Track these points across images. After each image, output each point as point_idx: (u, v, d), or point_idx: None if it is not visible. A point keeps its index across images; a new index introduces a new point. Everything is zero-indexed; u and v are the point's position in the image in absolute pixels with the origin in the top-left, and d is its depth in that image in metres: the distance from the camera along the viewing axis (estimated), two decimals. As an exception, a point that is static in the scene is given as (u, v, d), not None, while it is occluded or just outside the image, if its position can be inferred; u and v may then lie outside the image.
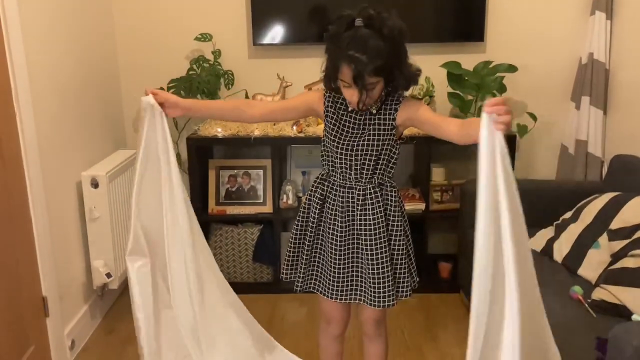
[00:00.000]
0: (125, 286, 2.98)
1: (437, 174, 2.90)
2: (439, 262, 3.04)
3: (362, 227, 1.71)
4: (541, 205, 2.59)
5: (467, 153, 3.12)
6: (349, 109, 1.68)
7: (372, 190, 1.71)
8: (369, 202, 1.71)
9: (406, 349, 2.41)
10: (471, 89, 2.75)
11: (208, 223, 2.93)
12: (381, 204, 1.72)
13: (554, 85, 3.04)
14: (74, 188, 2.45)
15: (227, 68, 2.93)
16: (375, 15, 1.52)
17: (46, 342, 2.19)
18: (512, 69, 2.78)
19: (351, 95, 1.58)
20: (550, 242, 2.35)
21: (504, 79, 2.82)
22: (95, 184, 2.44)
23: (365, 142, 1.66)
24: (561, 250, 2.28)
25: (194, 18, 2.97)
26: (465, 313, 2.72)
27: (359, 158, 1.66)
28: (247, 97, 3.00)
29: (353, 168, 1.68)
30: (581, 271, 2.15)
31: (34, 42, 2.13)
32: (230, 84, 2.93)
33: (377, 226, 1.71)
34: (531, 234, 2.43)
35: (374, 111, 1.66)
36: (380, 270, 1.71)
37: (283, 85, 2.87)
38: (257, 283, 2.96)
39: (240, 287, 2.89)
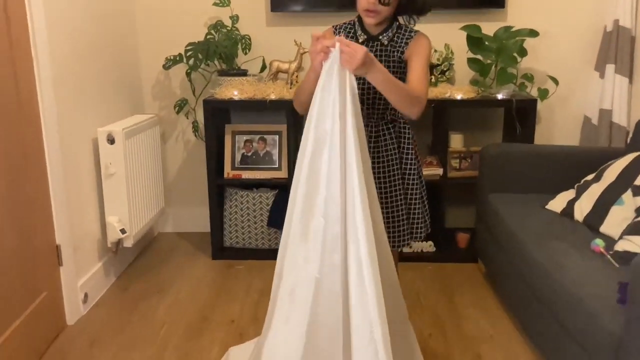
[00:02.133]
0: (140, 250, 3.00)
1: (456, 141, 2.85)
2: (456, 233, 2.98)
3: (376, 165, 1.67)
4: (564, 170, 2.53)
5: (486, 120, 3.07)
6: (360, 41, 1.65)
7: (384, 127, 1.68)
8: (382, 138, 1.67)
9: (421, 309, 2.36)
10: (491, 52, 2.70)
11: (223, 187, 2.92)
12: (394, 140, 1.68)
13: (576, 54, 2.98)
14: (90, 144, 2.46)
15: (244, 33, 2.93)
16: None
17: (59, 290, 2.20)
18: (533, 33, 2.72)
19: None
20: (571, 203, 2.28)
21: (526, 48, 2.76)
22: (111, 140, 2.44)
23: None
24: (582, 209, 2.21)
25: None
26: (482, 280, 2.66)
27: (370, 92, 1.63)
28: (264, 63, 2.99)
29: (365, 102, 1.65)
30: (603, 228, 2.08)
31: (54, 11, 2.15)
32: (247, 48, 2.92)
33: (391, 162, 1.68)
34: (552, 197, 2.38)
35: (385, 42, 1.63)
36: (395, 208, 1.68)
37: (300, 51, 2.85)
38: (271, 249, 2.94)
39: (254, 253, 2.93)
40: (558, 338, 1.74)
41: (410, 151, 1.70)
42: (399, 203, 1.68)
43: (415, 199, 1.72)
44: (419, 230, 1.73)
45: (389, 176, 1.67)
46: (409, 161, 1.70)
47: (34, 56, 2.04)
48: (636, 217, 1.98)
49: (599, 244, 1.92)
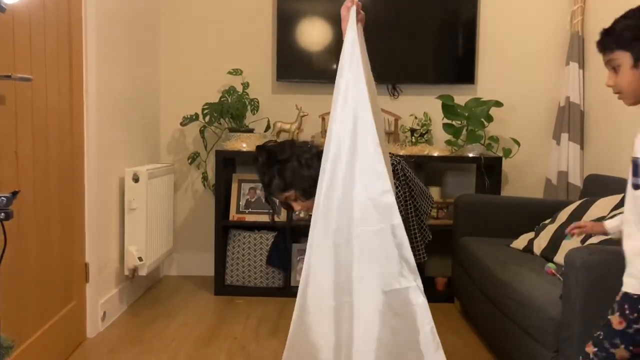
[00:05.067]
0: (148, 287, 3.28)
1: (433, 193, 3.26)
2: (436, 278, 3.32)
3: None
4: (525, 217, 2.93)
5: (460, 176, 3.52)
6: None
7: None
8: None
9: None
10: (462, 118, 3.19)
11: (228, 228, 3.27)
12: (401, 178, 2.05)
13: (537, 124, 3.49)
14: (117, 181, 2.84)
15: (253, 97, 3.41)
16: (266, 149, 1.89)
17: (84, 303, 2.48)
18: (498, 104, 3.23)
19: (292, 208, 1.91)
20: (531, 241, 2.67)
21: (494, 120, 3.26)
22: (136, 179, 2.82)
23: None
24: (540, 245, 2.60)
25: (228, 56, 3.51)
26: (458, 315, 2.98)
27: None
28: (268, 125, 3.45)
29: None
30: (556, 259, 2.45)
31: (103, 69, 2.62)
32: (255, 110, 3.39)
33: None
34: (515, 238, 2.78)
35: None
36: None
37: (300, 114, 3.32)
38: (268, 287, 3.25)
39: (253, 291, 3.23)
40: (513, 335, 2.07)
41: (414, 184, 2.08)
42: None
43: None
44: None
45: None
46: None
47: (85, 104, 2.47)
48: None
49: (550, 266, 2.28)
